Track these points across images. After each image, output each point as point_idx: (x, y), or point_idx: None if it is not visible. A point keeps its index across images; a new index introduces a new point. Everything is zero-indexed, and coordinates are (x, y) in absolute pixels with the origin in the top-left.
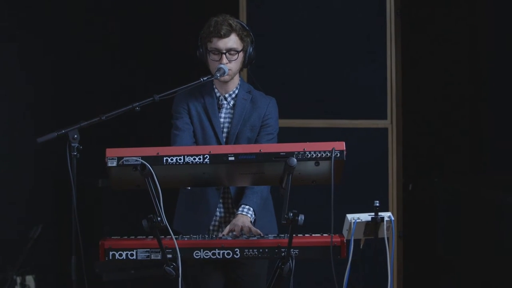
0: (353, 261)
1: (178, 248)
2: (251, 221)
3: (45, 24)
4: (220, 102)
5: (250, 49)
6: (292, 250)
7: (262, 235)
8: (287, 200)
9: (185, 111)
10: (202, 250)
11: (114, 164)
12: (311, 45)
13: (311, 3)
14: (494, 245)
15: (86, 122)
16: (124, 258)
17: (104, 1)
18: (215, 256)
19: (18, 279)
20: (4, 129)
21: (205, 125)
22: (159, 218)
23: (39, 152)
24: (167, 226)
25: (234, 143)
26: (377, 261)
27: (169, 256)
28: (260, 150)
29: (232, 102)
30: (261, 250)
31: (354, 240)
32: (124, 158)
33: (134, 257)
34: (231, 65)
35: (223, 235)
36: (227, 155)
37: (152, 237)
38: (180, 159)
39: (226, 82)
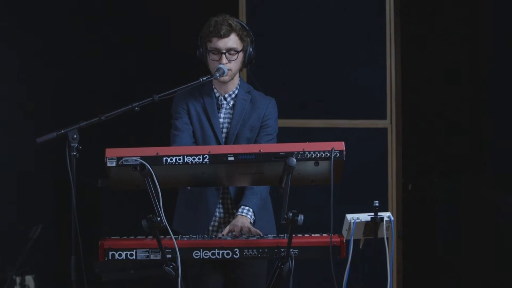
0: (352, 261)
1: (178, 248)
2: (250, 222)
3: (45, 24)
4: (219, 102)
5: (250, 49)
6: (291, 250)
7: (261, 235)
8: (287, 200)
9: (185, 111)
10: (201, 250)
11: (114, 164)
12: (311, 45)
13: (311, 3)
14: (494, 245)
15: (85, 122)
16: (124, 258)
17: (104, 1)
18: (214, 256)
19: (18, 279)
20: (4, 129)
21: (205, 126)
22: (158, 218)
23: (39, 152)
24: (166, 226)
25: (234, 144)
26: (377, 261)
27: (169, 256)
28: (260, 150)
29: (231, 103)
30: (260, 250)
31: (354, 240)
32: (124, 158)
33: (134, 257)
34: (231, 65)
35: (223, 235)
36: (226, 155)
37: (151, 237)
38: (179, 159)
39: (225, 82)
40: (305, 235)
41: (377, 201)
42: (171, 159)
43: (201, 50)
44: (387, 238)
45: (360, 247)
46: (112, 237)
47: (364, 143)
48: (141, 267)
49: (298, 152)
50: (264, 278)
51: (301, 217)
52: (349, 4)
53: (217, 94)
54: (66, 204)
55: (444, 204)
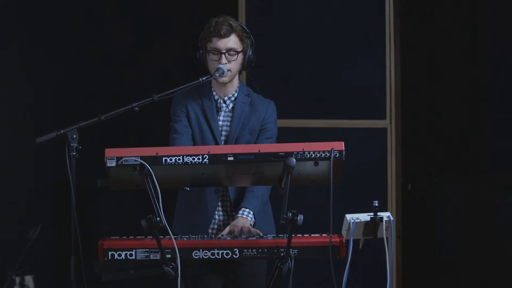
0: (352, 261)
1: (177, 248)
2: (250, 224)
3: (45, 24)
4: (218, 105)
5: (250, 52)
6: (291, 250)
7: (261, 235)
8: (286, 200)
9: (184, 114)
10: (201, 250)
11: (113, 164)
12: (311, 45)
13: (311, 3)
14: (493, 245)
15: (85, 122)
16: (123, 258)
17: (104, 1)
18: (214, 256)
19: (17, 279)
20: (4, 129)
21: (204, 128)
22: (158, 218)
23: (39, 152)
24: (166, 226)
25: None
26: (376, 261)
27: (168, 256)
28: (259, 150)
29: (231, 105)
30: (260, 250)
31: (353, 240)
32: (123, 158)
33: (133, 257)
34: (231, 65)
35: (222, 235)
36: (226, 155)
37: (151, 237)
38: (179, 159)
39: (225, 84)
40: (305, 235)
41: (376, 201)
42: (171, 159)
43: (201, 51)
44: (387, 238)
45: (360, 247)
46: (111, 237)
47: (364, 143)
48: (140, 267)
49: (298, 152)
50: (263, 278)
51: (300, 217)
52: (349, 4)
53: (216, 97)
54: (66, 204)
55: (444, 204)
